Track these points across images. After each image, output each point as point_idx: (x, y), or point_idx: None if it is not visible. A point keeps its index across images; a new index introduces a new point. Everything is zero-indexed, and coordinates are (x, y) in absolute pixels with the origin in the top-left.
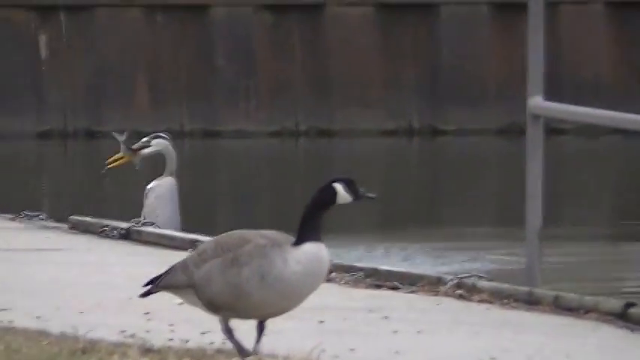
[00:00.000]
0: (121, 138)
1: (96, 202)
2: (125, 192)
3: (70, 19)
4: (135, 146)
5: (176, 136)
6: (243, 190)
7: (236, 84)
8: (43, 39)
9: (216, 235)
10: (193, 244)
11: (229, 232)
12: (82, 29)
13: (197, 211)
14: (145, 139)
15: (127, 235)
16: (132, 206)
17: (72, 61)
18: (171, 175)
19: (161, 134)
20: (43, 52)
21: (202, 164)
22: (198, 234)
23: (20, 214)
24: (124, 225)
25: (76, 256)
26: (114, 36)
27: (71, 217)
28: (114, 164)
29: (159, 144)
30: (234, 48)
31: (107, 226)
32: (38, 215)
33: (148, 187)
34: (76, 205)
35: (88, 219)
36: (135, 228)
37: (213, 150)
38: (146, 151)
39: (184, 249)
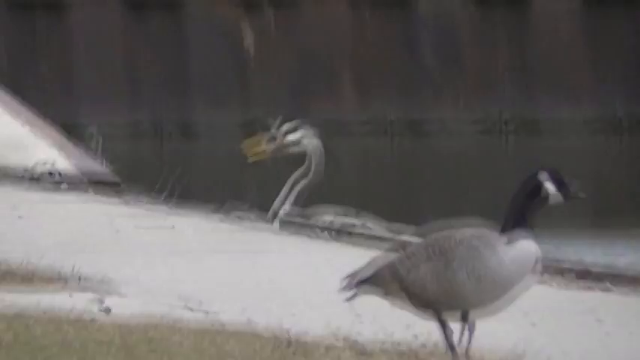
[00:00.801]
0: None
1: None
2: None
3: (277, 13)
4: (284, 143)
5: (380, 127)
6: (450, 186)
7: (441, 78)
8: (249, 32)
9: (421, 227)
10: (402, 244)
11: (436, 232)
12: (288, 22)
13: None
14: (291, 137)
15: (337, 236)
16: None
17: (277, 54)
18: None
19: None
20: (250, 45)
21: (408, 160)
22: (406, 235)
23: (230, 215)
24: (333, 225)
25: (285, 257)
26: (320, 30)
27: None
28: (255, 158)
29: (310, 142)
30: (439, 42)
31: (317, 226)
32: (248, 216)
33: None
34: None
35: (298, 220)
36: (345, 229)
37: (418, 145)
38: (292, 149)
39: (394, 249)
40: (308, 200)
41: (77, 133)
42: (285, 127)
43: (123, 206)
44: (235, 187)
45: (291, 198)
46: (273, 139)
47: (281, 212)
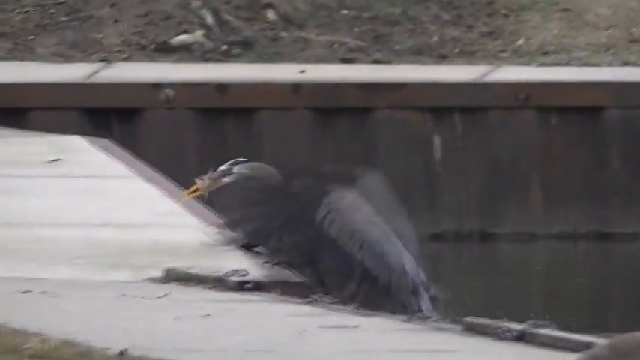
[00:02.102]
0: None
1: (488, 303)
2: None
3: (465, 120)
4: (214, 175)
5: (568, 238)
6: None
7: (630, 187)
8: (437, 140)
9: (610, 336)
10: (588, 346)
11: (625, 335)
12: (476, 130)
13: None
14: (223, 168)
15: (521, 337)
16: (525, 306)
17: (466, 162)
18: None
19: (241, 159)
20: (437, 154)
21: (597, 266)
22: (592, 335)
23: (415, 316)
24: (519, 327)
25: (471, 358)
26: (508, 136)
27: (465, 318)
28: (190, 196)
29: (241, 170)
30: (629, 150)
31: (501, 327)
32: (432, 317)
33: None
34: (470, 306)
35: (482, 320)
36: (529, 330)
37: (606, 252)
38: (226, 179)
39: (579, 351)
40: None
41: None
42: (219, 171)
43: (308, 306)
44: None
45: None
46: (209, 180)
47: None
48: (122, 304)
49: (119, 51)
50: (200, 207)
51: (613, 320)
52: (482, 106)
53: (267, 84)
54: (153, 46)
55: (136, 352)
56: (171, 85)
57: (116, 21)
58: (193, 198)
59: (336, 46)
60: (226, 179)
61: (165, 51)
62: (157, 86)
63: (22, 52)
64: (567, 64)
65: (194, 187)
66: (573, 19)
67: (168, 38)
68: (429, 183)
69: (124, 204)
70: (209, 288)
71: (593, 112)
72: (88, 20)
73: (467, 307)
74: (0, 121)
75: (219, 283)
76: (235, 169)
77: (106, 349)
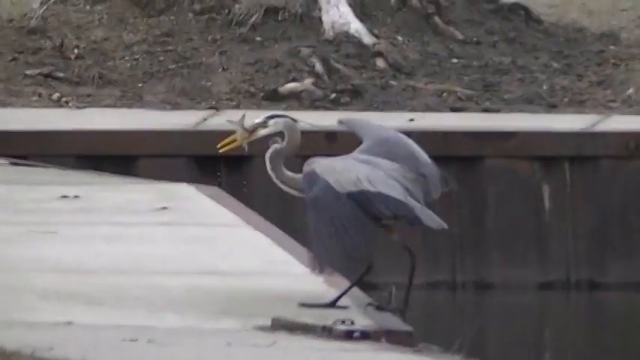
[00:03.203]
0: (237, 120)
1: (598, 355)
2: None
3: (574, 169)
4: (249, 126)
5: None
6: None
7: None
8: (546, 189)
9: None
10: None
11: None
12: (585, 179)
13: None
14: (259, 120)
15: None
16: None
17: (575, 212)
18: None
19: (278, 113)
20: (547, 203)
21: None
22: None
23: None
24: None
25: None
26: (617, 185)
27: None
28: (226, 147)
29: (277, 123)
30: None
31: None
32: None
33: None
34: (579, 358)
35: None
36: None
37: None
38: (263, 132)
39: None
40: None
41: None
42: (255, 122)
43: (415, 355)
44: (530, 345)
45: (267, 163)
46: (244, 131)
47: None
48: (229, 353)
49: (228, 99)
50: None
51: None
52: (592, 156)
53: None
54: (261, 94)
55: None
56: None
57: (225, 69)
58: (230, 149)
59: (445, 94)
60: (262, 132)
61: (273, 99)
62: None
63: (130, 99)
64: None
65: (231, 138)
66: None
67: (277, 86)
68: (538, 232)
69: (231, 252)
70: (316, 337)
71: None
72: (197, 68)
73: (575, 358)
74: (109, 169)
75: (326, 332)
76: (271, 122)
77: None
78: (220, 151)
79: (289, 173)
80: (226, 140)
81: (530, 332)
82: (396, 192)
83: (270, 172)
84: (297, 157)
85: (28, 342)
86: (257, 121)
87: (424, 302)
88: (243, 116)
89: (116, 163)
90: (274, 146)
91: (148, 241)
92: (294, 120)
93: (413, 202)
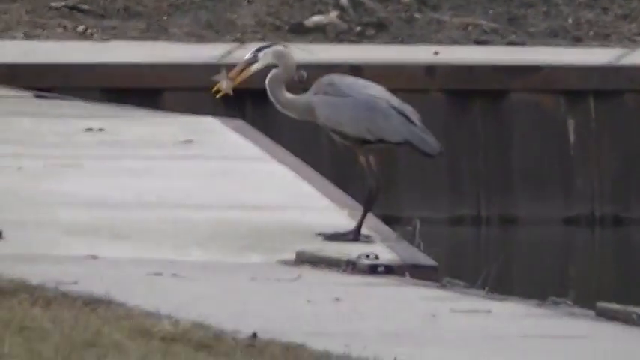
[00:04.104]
0: (219, 75)
1: (621, 289)
2: None
3: (599, 103)
4: (237, 68)
5: None
6: None
7: None
8: (571, 124)
9: None
10: None
11: None
12: (610, 113)
13: None
14: (248, 56)
15: None
16: None
17: (600, 146)
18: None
19: (265, 44)
20: (571, 137)
21: None
22: None
23: (547, 301)
24: None
25: (602, 345)
26: None
27: (598, 303)
28: (218, 95)
29: (266, 55)
30: None
31: (633, 313)
32: (564, 302)
33: None
34: (602, 292)
35: (614, 306)
36: None
37: None
38: (254, 67)
39: None
40: None
41: (398, 227)
42: (245, 59)
43: (439, 290)
44: (554, 279)
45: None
46: (228, 80)
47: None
48: (254, 287)
49: (253, 31)
50: (333, 189)
51: None
52: (617, 90)
53: (401, 66)
54: (287, 27)
55: (267, 336)
56: (306, 66)
57: (250, 1)
58: (222, 96)
59: (470, 28)
60: (254, 67)
61: (299, 32)
62: None
63: (155, 32)
64: None
65: (217, 87)
66: None
67: (302, 19)
68: (562, 167)
69: (256, 186)
70: (340, 271)
71: None
72: (222, 1)
73: (599, 292)
74: (133, 101)
75: (350, 266)
76: (260, 54)
77: (237, 332)
78: (215, 97)
79: (289, 95)
80: (214, 90)
81: (554, 267)
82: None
83: (270, 97)
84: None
85: (53, 276)
86: (247, 57)
87: (449, 237)
88: (224, 70)
89: (141, 96)
90: (272, 72)
91: (173, 174)
92: (284, 46)
93: (413, 129)
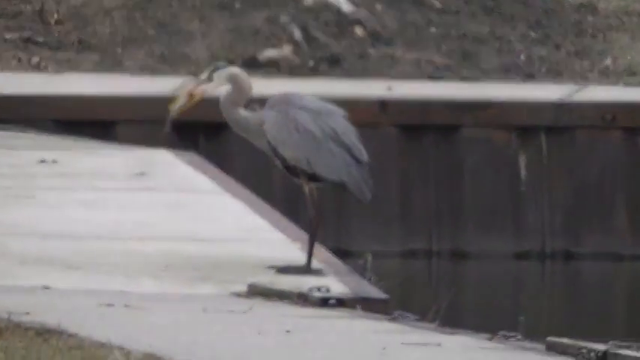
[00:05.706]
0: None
1: (571, 323)
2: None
3: (551, 140)
4: (194, 83)
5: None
6: None
7: None
8: (523, 159)
9: None
10: None
11: None
12: (561, 149)
13: None
14: (204, 75)
15: (603, 358)
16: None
17: (551, 182)
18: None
19: (221, 64)
20: (523, 173)
21: None
22: None
23: (498, 334)
24: (601, 347)
25: None
26: (593, 156)
27: (548, 338)
28: (176, 110)
29: (220, 77)
30: None
31: (583, 348)
32: (515, 336)
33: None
34: (552, 326)
35: (565, 340)
36: (612, 351)
37: None
38: (209, 87)
39: None
40: None
41: (349, 261)
42: (200, 79)
43: (390, 323)
44: (505, 313)
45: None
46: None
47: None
48: (205, 319)
49: (207, 65)
50: (285, 222)
51: None
52: (569, 126)
53: (355, 101)
54: (240, 61)
55: None
56: (259, 100)
57: (204, 35)
58: (178, 115)
59: (423, 63)
60: (209, 88)
61: (252, 66)
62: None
63: (109, 64)
64: None
65: (175, 103)
66: None
67: (256, 53)
68: (513, 202)
69: (209, 218)
70: (292, 304)
71: None
72: (176, 34)
73: (549, 326)
74: (87, 133)
75: (302, 298)
76: (215, 75)
77: None
78: (174, 115)
79: (244, 112)
80: (173, 104)
81: (505, 301)
82: (338, 161)
83: (224, 114)
84: None
85: (5, 306)
86: (203, 76)
87: (400, 270)
88: (184, 84)
89: (95, 129)
90: (226, 91)
91: (126, 206)
92: (240, 68)
93: (353, 172)
